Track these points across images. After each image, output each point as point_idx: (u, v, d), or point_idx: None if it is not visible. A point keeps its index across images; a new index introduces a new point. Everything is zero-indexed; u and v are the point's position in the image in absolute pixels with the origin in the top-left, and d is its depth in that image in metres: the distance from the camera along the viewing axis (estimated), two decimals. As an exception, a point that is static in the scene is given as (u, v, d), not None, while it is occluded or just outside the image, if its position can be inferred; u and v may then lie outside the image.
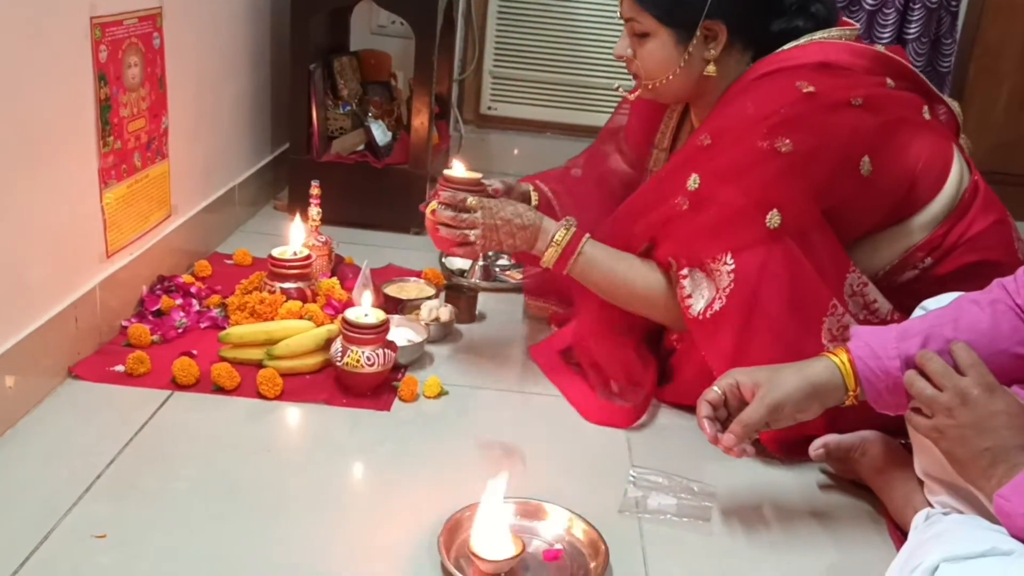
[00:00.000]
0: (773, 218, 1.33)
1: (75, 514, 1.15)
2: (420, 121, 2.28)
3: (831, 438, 1.35)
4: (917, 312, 1.22)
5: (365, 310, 1.50)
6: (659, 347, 1.61)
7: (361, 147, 2.38)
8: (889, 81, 1.44)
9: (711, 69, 1.47)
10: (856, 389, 1.13)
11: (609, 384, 1.54)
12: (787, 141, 1.33)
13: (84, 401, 1.41)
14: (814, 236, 1.36)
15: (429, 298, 1.79)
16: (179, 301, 1.70)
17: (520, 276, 1.98)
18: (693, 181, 1.39)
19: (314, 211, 1.86)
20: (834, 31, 1.46)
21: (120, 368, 1.48)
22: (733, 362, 1.31)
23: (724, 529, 1.26)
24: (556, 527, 1.20)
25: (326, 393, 1.49)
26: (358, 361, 1.46)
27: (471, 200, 1.46)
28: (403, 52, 2.66)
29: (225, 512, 1.19)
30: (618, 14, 1.54)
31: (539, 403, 1.54)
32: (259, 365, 1.52)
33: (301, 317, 1.64)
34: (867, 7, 2.78)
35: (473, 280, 1.99)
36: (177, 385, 1.46)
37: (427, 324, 1.69)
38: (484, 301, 1.89)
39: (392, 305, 1.77)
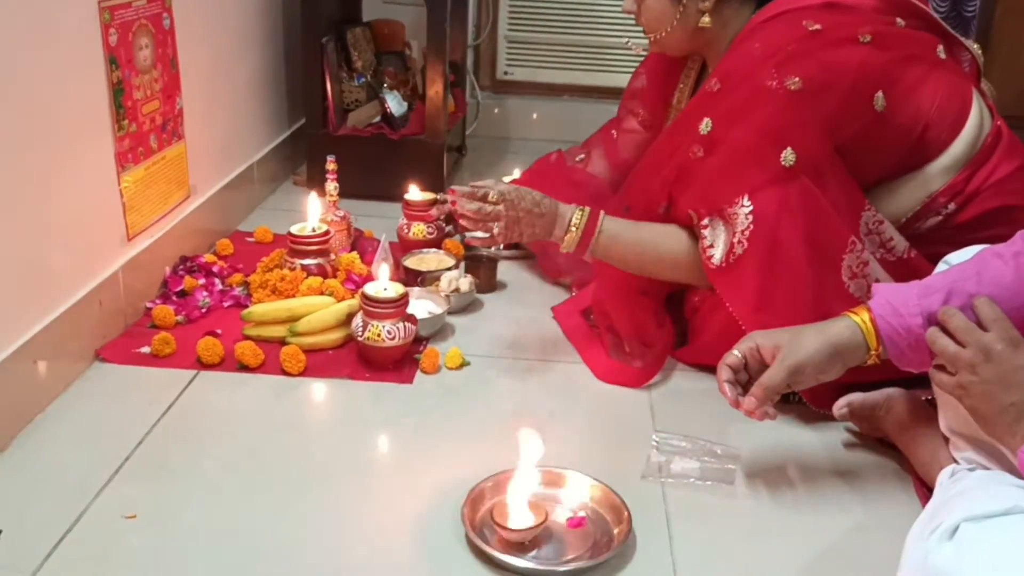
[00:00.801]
0: (788, 156, 1.33)
1: (106, 495, 1.17)
2: (435, 90, 2.26)
3: (855, 397, 1.35)
4: (940, 267, 1.20)
5: (384, 284, 1.51)
6: (681, 308, 1.61)
7: (377, 119, 2.38)
8: (899, 20, 1.43)
9: (706, 20, 1.50)
10: (878, 348, 1.11)
11: (622, 345, 1.55)
12: (796, 78, 1.33)
13: (112, 383, 1.43)
14: (828, 174, 1.36)
15: (449, 269, 1.79)
16: (202, 281, 1.72)
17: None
18: (705, 126, 1.41)
19: (331, 186, 1.86)
20: None
21: (146, 350, 1.50)
22: (757, 309, 1.32)
23: (748, 492, 1.26)
24: (579, 494, 1.20)
25: (349, 368, 1.50)
26: (379, 335, 1.47)
27: (493, 194, 1.45)
28: (417, 20, 2.63)
29: (253, 489, 1.21)
30: None
31: (561, 371, 1.55)
32: (282, 342, 1.53)
33: (322, 293, 1.65)
34: (888, -47, 2.71)
35: (493, 249, 1.99)
36: (202, 364, 1.48)
37: (447, 295, 1.69)
38: (504, 270, 1.89)
39: (412, 277, 1.77)
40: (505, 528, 1.10)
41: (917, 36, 1.43)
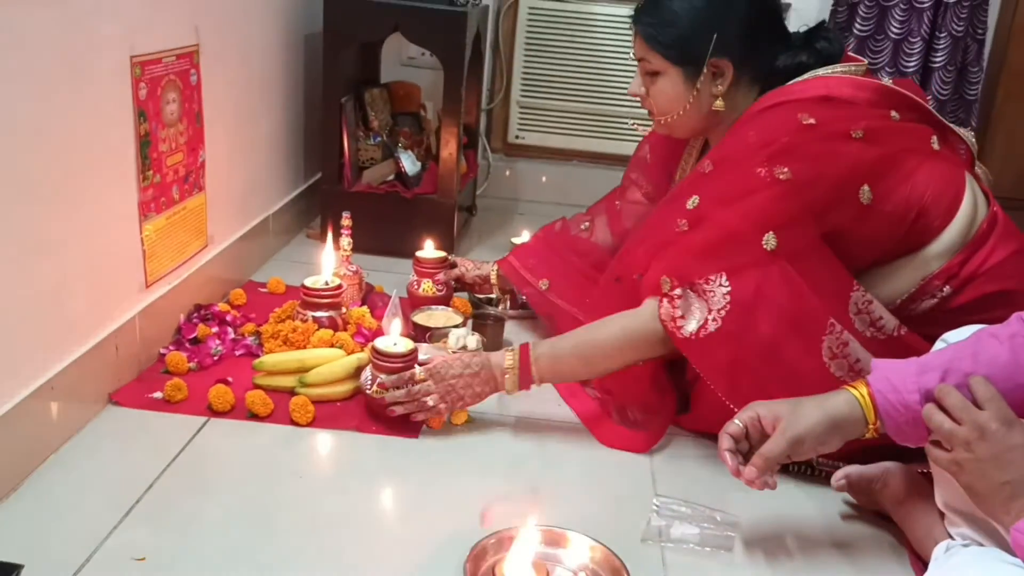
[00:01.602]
0: (770, 240, 1.36)
1: (116, 537, 1.19)
2: (448, 152, 2.32)
3: (853, 469, 1.37)
4: (938, 345, 1.24)
5: (394, 339, 1.54)
6: (683, 375, 1.63)
7: (391, 177, 2.43)
8: (894, 114, 1.46)
9: (719, 104, 1.54)
10: (876, 422, 1.14)
11: (626, 411, 1.57)
12: (785, 169, 1.37)
13: (124, 427, 1.45)
14: (812, 258, 1.38)
15: (457, 326, 1.82)
16: (215, 329, 1.75)
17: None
18: (692, 202, 1.44)
19: (345, 241, 1.91)
20: (839, 67, 1.51)
21: (158, 395, 1.53)
22: (730, 376, 1.35)
23: (747, 559, 1.28)
24: (579, 555, 1.22)
25: (356, 420, 1.53)
26: (387, 389, 1.49)
27: (418, 372, 1.48)
28: (433, 82, 2.71)
29: (258, 537, 1.22)
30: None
31: (565, 431, 1.57)
32: (292, 392, 1.56)
33: (332, 345, 1.68)
34: (892, 36, 2.80)
35: (500, 308, 2.02)
36: (213, 412, 1.50)
37: (455, 352, 1.72)
38: (511, 329, 1.92)
39: (420, 333, 1.81)
40: (506, 586, 1.12)
41: (911, 129, 1.47)
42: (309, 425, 1.50)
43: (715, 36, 1.50)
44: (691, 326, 1.39)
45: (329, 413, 1.54)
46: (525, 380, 1.49)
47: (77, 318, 1.42)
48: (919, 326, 1.40)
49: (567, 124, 3.07)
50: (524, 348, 1.50)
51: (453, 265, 2.03)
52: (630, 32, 1.60)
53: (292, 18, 2.32)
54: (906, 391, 1.11)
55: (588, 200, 2.11)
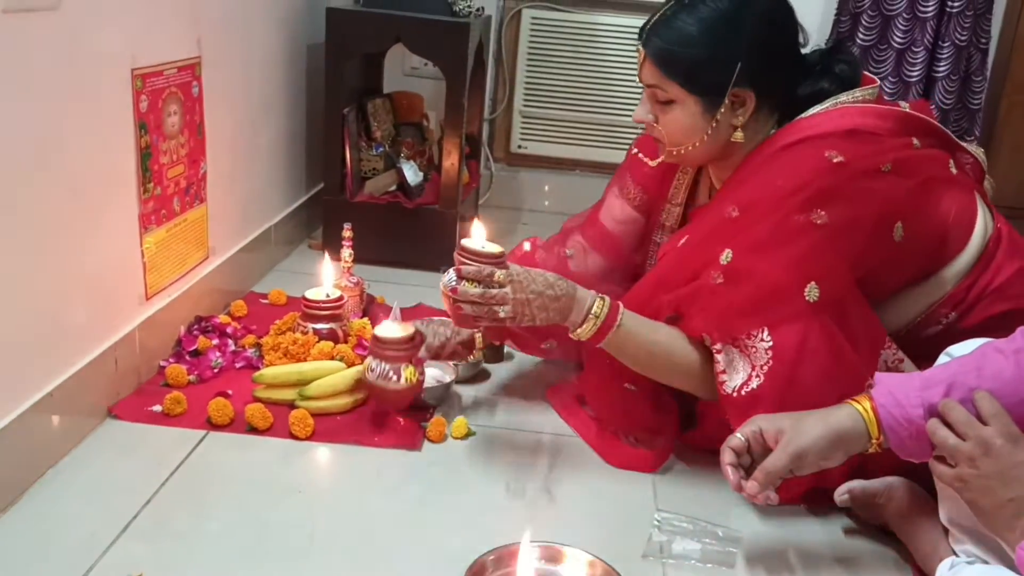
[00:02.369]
0: (812, 291, 1.31)
1: (114, 552, 1.18)
2: (450, 162, 2.32)
3: (856, 484, 1.36)
4: (942, 358, 1.23)
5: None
6: (684, 393, 1.60)
7: (393, 187, 2.43)
8: (915, 141, 1.43)
9: (739, 135, 1.44)
10: (879, 437, 1.13)
11: (628, 435, 1.55)
12: (822, 213, 1.32)
13: (123, 441, 1.45)
14: (851, 308, 1.34)
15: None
16: (215, 341, 1.75)
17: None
18: (726, 256, 1.36)
19: (346, 253, 1.90)
20: (857, 92, 1.45)
21: (158, 408, 1.52)
22: None
23: (748, 575, 1.26)
24: (579, 571, 1.21)
25: (356, 434, 1.52)
26: (388, 376, 1.49)
27: (499, 274, 1.36)
28: (435, 93, 2.71)
29: (256, 551, 1.22)
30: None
31: (565, 445, 1.56)
32: (291, 405, 1.55)
33: (333, 358, 1.67)
34: (896, 46, 2.79)
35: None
36: (212, 425, 1.50)
37: (455, 364, 1.71)
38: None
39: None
40: (506, 603, 1.11)
41: (932, 156, 1.44)
42: (308, 439, 1.50)
43: (739, 65, 1.38)
44: (735, 382, 1.34)
45: (329, 426, 1.53)
46: (600, 336, 1.38)
47: (77, 330, 1.42)
48: (924, 349, 1.36)
49: (570, 134, 3.07)
50: (615, 306, 1.38)
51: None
52: (633, 41, 1.50)
53: (294, 29, 2.32)
54: (910, 405, 1.10)
55: (590, 209, 2.09)
